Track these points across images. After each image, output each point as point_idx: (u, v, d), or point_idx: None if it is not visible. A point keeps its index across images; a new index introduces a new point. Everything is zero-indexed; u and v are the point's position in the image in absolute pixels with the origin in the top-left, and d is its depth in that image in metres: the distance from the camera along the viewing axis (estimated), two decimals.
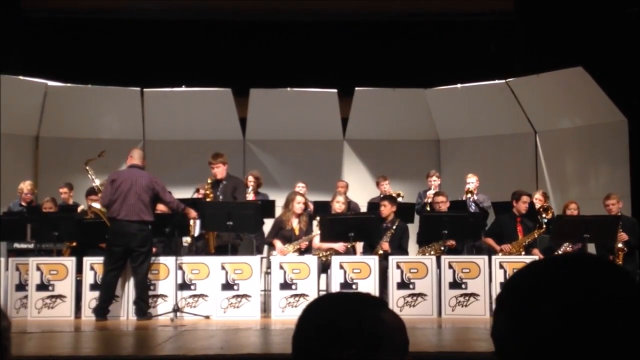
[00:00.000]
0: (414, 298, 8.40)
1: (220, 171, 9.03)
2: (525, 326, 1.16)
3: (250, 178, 10.19)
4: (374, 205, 10.36)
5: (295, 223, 9.07)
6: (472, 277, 8.39)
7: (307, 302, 1.61)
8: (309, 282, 8.32)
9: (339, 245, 8.93)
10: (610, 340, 1.11)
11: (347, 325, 1.44)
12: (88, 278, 8.45)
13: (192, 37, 13.27)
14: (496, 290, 8.36)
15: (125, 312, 8.29)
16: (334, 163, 13.31)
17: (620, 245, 8.62)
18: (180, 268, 8.39)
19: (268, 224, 9.54)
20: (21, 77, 12.24)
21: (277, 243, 8.97)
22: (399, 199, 10.21)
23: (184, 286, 8.37)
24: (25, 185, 10.41)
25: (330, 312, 1.48)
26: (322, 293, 8.51)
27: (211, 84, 12.75)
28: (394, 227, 9.27)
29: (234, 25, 13.36)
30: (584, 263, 1.20)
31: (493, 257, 8.62)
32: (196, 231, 9.36)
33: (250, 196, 9.88)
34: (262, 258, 9.26)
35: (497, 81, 12.65)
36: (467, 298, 8.36)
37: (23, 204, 10.38)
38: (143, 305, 8.07)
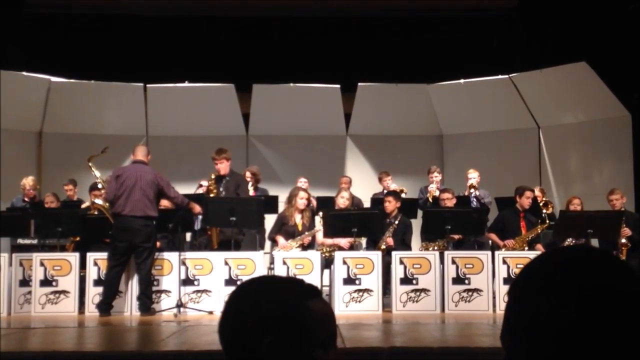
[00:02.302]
0: (418, 293, 8.40)
1: (223, 167, 9.03)
2: (531, 320, 1.16)
3: (248, 174, 10.16)
4: (377, 200, 10.36)
5: (298, 219, 9.07)
6: (475, 272, 8.38)
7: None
8: (312, 278, 8.31)
9: (344, 242, 8.93)
10: (612, 335, 1.12)
11: (269, 311, 1.38)
12: (92, 273, 8.46)
13: (195, 32, 13.26)
14: (499, 285, 8.36)
15: (128, 307, 8.31)
16: (336, 158, 13.32)
17: (623, 240, 8.62)
18: (184, 263, 8.41)
19: (270, 220, 9.54)
20: (24, 73, 12.26)
21: (280, 239, 8.98)
22: (402, 195, 10.21)
23: (187, 282, 8.39)
24: (28, 181, 10.42)
25: (254, 298, 1.43)
26: (325, 289, 8.53)
27: (214, 80, 12.75)
28: (397, 222, 9.26)
29: (237, 21, 13.34)
30: (587, 257, 1.20)
31: (496, 253, 8.62)
32: (197, 225, 9.36)
33: (249, 192, 9.87)
34: (264, 253, 9.26)
35: (500, 76, 12.64)
36: (470, 293, 8.35)
37: (26, 199, 10.39)
38: (147, 300, 8.08)
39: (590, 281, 1.15)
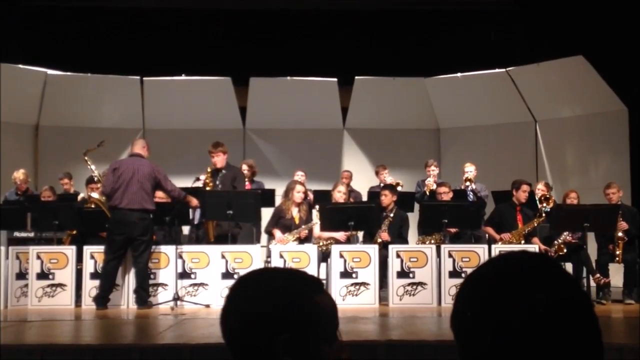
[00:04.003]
0: (414, 287, 8.41)
1: (220, 160, 9.02)
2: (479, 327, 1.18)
3: (244, 167, 10.15)
4: (374, 194, 10.36)
5: (295, 212, 9.07)
6: (472, 266, 8.37)
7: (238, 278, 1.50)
8: (309, 271, 8.23)
9: (340, 235, 8.93)
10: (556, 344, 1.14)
11: (278, 306, 1.38)
12: (88, 267, 8.46)
13: (192, 26, 13.24)
14: None
15: (125, 300, 8.31)
16: (333, 152, 13.31)
17: (620, 234, 8.62)
18: (181, 257, 8.40)
19: (266, 213, 9.52)
20: (21, 66, 12.22)
21: (277, 232, 8.97)
22: (398, 188, 10.22)
23: (184, 275, 8.39)
24: (18, 174, 10.39)
25: (259, 291, 1.41)
26: (322, 282, 8.51)
27: (211, 73, 12.72)
28: (392, 215, 9.26)
29: (234, 14, 13.32)
30: (530, 267, 1.21)
31: (493, 246, 8.64)
32: (196, 219, 9.36)
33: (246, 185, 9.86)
34: (261, 247, 9.26)
35: (497, 70, 12.63)
36: None
37: (19, 192, 10.38)
38: (143, 294, 8.08)
39: (532, 294, 1.16)
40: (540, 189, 9.91)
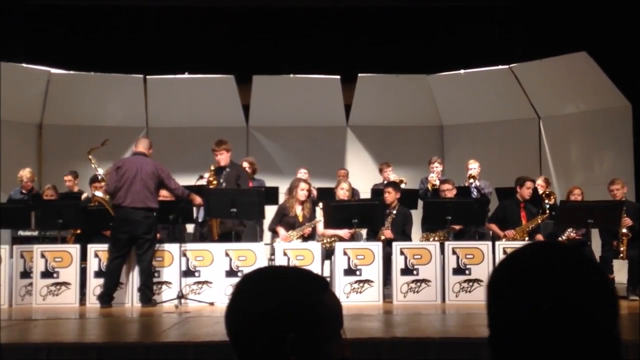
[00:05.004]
0: (418, 284, 8.40)
1: (223, 158, 9.03)
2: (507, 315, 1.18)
3: (245, 164, 10.14)
4: (377, 191, 10.35)
5: (298, 210, 9.07)
6: (476, 263, 8.38)
7: (243, 275, 1.50)
8: (313, 269, 8.26)
9: (344, 232, 8.93)
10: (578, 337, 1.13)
11: (286, 307, 1.38)
12: (92, 265, 8.47)
13: (195, 24, 13.24)
14: None
15: (129, 299, 8.32)
16: (337, 149, 13.31)
17: (624, 230, 8.61)
18: (185, 255, 8.41)
19: (270, 211, 9.53)
20: (24, 65, 12.24)
21: (281, 230, 8.98)
22: (402, 186, 10.21)
23: (188, 273, 8.39)
24: (25, 173, 10.40)
25: (264, 290, 1.41)
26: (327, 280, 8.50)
27: (214, 71, 12.73)
28: (395, 213, 9.25)
29: (237, 12, 13.32)
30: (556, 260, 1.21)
31: (497, 243, 8.61)
32: (200, 217, 9.36)
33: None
34: (265, 244, 9.26)
35: (500, 67, 12.62)
36: (470, 284, 8.36)
37: (24, 191, 10.39)
38: (147, 292, 8.09)
39: (549, 290, 1.16)
40: (539, 185, 9.91)
